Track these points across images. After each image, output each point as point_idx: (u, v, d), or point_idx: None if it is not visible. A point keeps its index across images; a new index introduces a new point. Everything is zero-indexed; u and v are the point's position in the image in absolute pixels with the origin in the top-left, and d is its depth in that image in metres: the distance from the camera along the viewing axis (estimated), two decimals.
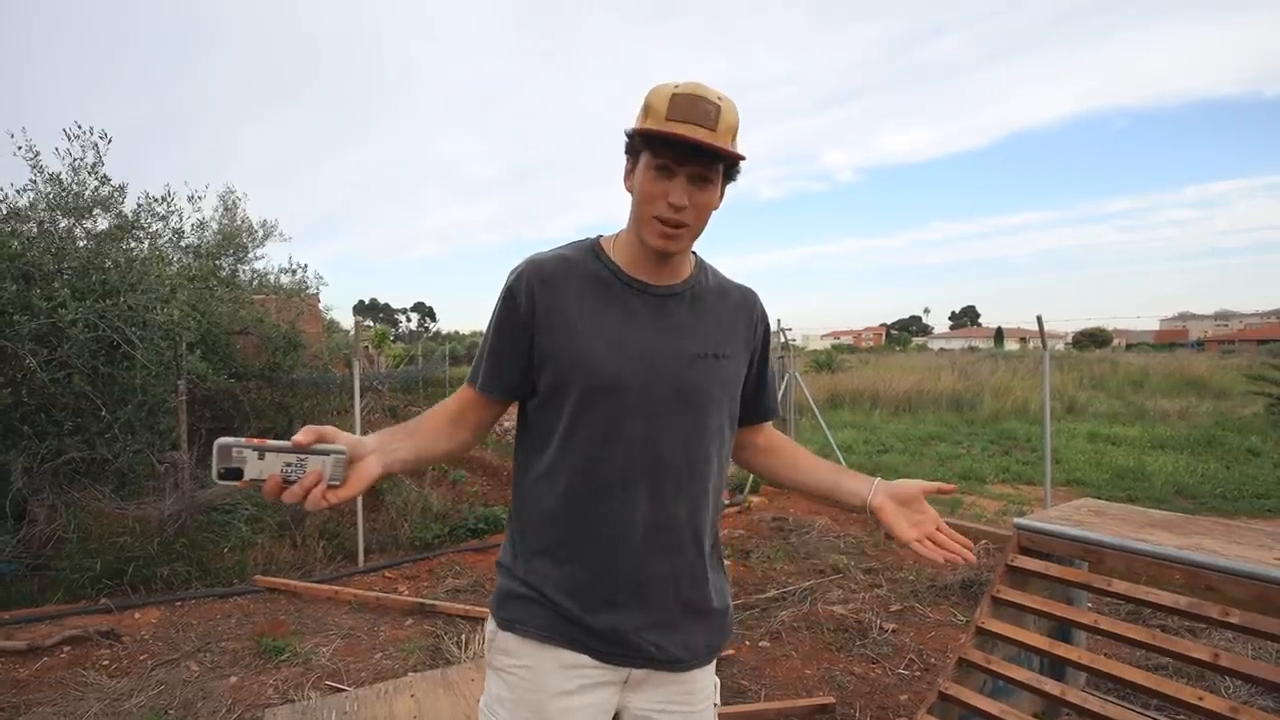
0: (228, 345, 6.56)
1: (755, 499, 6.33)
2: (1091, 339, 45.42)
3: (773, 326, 7.14)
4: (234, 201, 8.56)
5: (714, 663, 1.20)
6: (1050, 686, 2.13)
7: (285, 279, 9.11)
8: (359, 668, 3.27)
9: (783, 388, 6.99)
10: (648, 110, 1.01)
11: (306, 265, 9.14)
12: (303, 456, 0.88)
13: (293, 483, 0.88)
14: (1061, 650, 2.18)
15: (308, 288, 9.13)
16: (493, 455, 7.85)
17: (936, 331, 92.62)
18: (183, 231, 7.37)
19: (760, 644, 3.49)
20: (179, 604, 4.01)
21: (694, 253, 1.15)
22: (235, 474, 0.86)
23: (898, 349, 53.17)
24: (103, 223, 5.63)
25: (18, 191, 5.34)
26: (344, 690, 2.79)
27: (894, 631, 3.56)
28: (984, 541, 4.68)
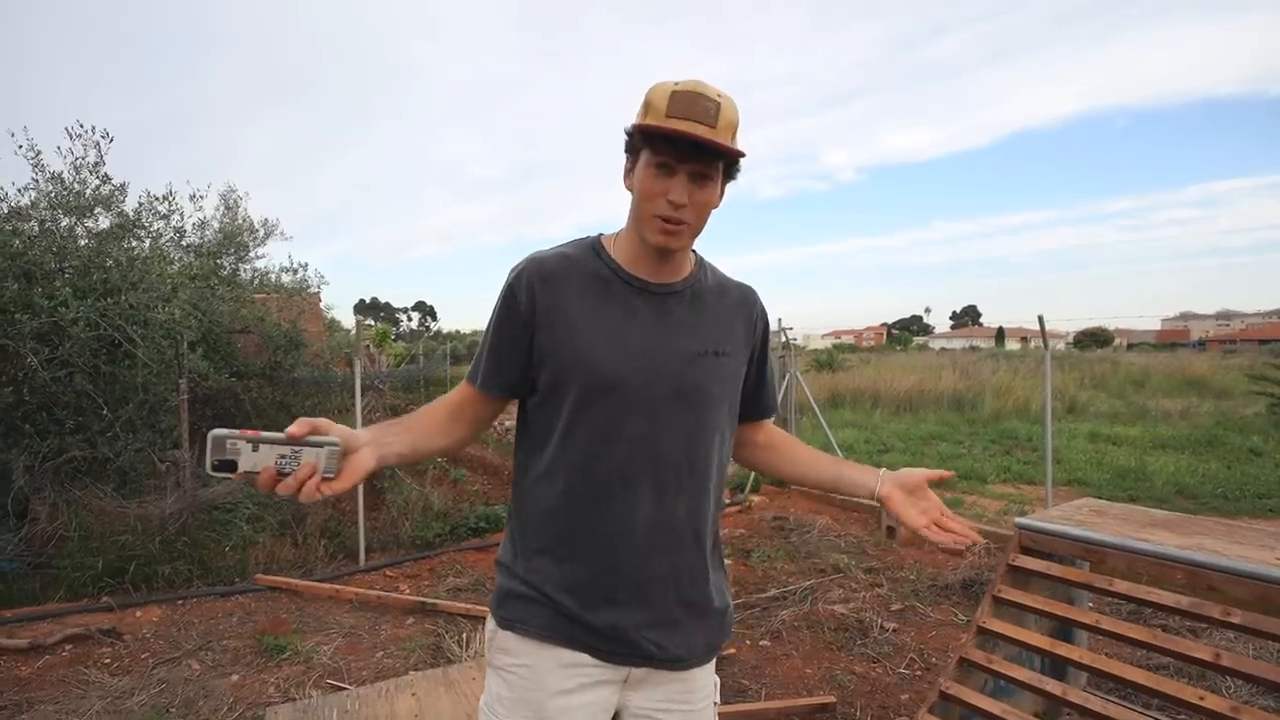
0: (229, 344, 6.56)
1: (756, 498, 6.33)
2: (1093, 339, 45.36)
3: (774, 326, 7.09)
4: (235, 200, 8.56)
5: (714, 661, 1.20)
6: (1051, 686, 2.13)
7: (286, 278, 9.11)
8: (360, 666, 3.28)
9: (784, 387, 6.99)
10: (648, 107, 1.01)
11: (308, 264, 9.13)
12: (297, 448, 0.88)
13: (287, 474, 0.88)
14: (1063, 650, 2.18)
15: (309, 287, 9.12)
16: (494, 454, 7.86)
17: (938, 331, 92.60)
18: (184, 230, 7.38)
19: (761, 643, 3.49)
20: (180, 602, 4.01)
21: (694, 251, 1.15)
22: (229, 466, 0.87)
23: (899, 348, 53.14)
24: (104, 221, 5.64)
25: (19, 190, 5.35)
26: (345, 689, 2.79)
27: (895, 631, 3.56)
28: (985, 541, 4.68)
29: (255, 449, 0.87)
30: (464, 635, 3.50)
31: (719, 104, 0.99)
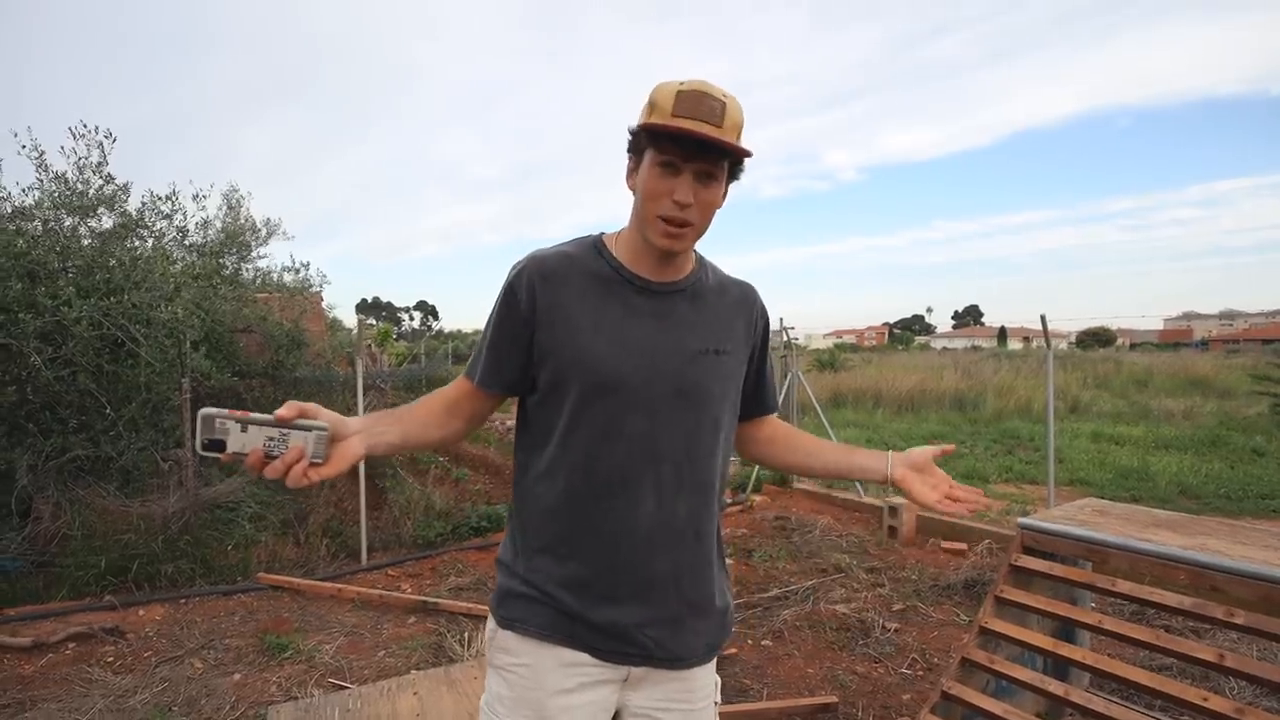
0: (231, 343, 6.56)
1: (758, 498, 6.33)
2: (1095, 338, 45.27)
3: (775, 326, 7.07)
4: (238, 200, 8.55)
5: (714, 661, 1.19)
6: (1054, 687, 2.13)
7: (288, 277, 9.12)
8: (362, 665, 3.28)
9: (785, 387, 6.98)
10: (653, 106, 1.00)
11: (309, 264, 9.13)
12: (285, 431, 0.88)
13: (275, 458, 0.88)
14: (1065, 650, 2.18)
15: (311, 286, 9.13)
16: (495, 454, 7.86)
17: (939, 331, 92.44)
18: (187, 230, 7.38)
19: (763, 643, 3.49)
20: (183, 601, 4.02)
21: (694, 250, 1.15)
22: (218, 445, 0.87)
23: (900, 348, 53.07)
24: (107, 221, 5.64)
25: (23, 190, 5.36)
26: (347, 688, 2.79)
27: (896, 631, 3.55)
28: (987, 541, 4.67)
29: (244, 429, 0.87)
30: (466, 634, 3.50)
31: (724, 103, 0.98)
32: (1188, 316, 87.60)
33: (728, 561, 1.22)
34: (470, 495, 6.44)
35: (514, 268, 1.09)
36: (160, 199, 6.42)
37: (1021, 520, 2.55)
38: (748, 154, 1.01)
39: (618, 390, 1.04)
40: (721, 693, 1.23)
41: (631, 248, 1.09)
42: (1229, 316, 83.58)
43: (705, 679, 1.17)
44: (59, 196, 5.32)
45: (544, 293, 1.05)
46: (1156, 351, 31.57)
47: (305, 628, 3.70)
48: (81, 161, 5.44)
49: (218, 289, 6.22)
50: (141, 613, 3.85)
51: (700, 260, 1.17)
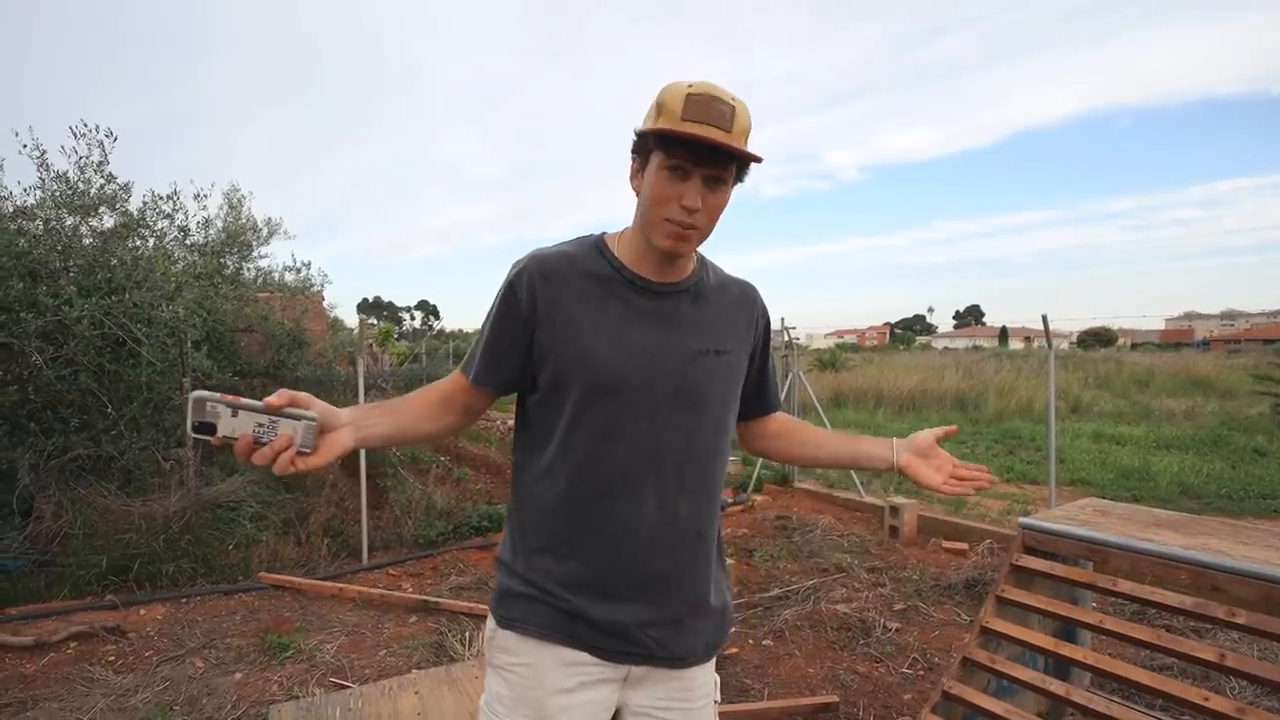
0: (232, 343, 6.57)
1: (759, 498, 6.33)
2: (1096, 338, 45.23)
3: (776, 325, 7.07)
4: (239, 200, 8.56)
5: (714, 660, 1.20)
6: (1055, 686, 2.13)
7: (289, 277, 9.13)
8: (363, 665, 3.28)
9: (786, 386, 6.98)
10: (661, 109, 0.99)
11: (310, 263, 9.15)
12: (274, 419, 0.89)
13: (264, 444, 0.88)
14: (1066, 650, 2.18)
15: (312, 285, 9.14)
16: (496, 453, 7.86)
17: (941, 331, 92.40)
18: (188, 229, 7.38)
19: (764, 642, 3.49)
20: (184, 600, 4.02)
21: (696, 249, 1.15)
22: (209, 429, 0.87)
23: (901, 348, 53.04)
24: (109, 220, 5.64)
25: (25, 190, 5.37)
26: (348, 687, 2.79)
27: (898, 630, 3.55)
28: (988, 541, 4.67)
29: (234, 415, 0.88)
30: (467, 634, 3.50)
31: (734, 108, 0.97)
32: (1189, 316, 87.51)
33: (729, 561, 1.23)
34: (471, 495, 6.44)
35: (514, 266, 1.09)
36: (161, 198, 6.43)
37: (1023, 520, 2.55)
38: (758, 160, 1.00)
39: (618, 391, 1.04)
40: (723, 692, 1.23)
41: (634, 248, 1.09)
42: (1230, 316, 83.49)
43: (705, 678, 1.18)
44: (60, 196, 5.32)
45: (544, 292, 1.05)
46: (1158, 351, 31.55)
47: (306, 627, 3.70)
48: (83, 161, 5.45)
49: (219, 288, 6.22)
50: (143, 612, 3.85)
51: (701, 260, 1.17)
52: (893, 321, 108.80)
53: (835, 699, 2.88)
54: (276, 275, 9.13)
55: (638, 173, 1.05)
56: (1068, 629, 2.38)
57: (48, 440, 4.59)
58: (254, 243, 8.75)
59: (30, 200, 5.30)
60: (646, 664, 1.10)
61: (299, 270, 9.05)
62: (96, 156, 5.47)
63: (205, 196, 7.52)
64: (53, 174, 5.36)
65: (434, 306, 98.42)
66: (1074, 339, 44.82)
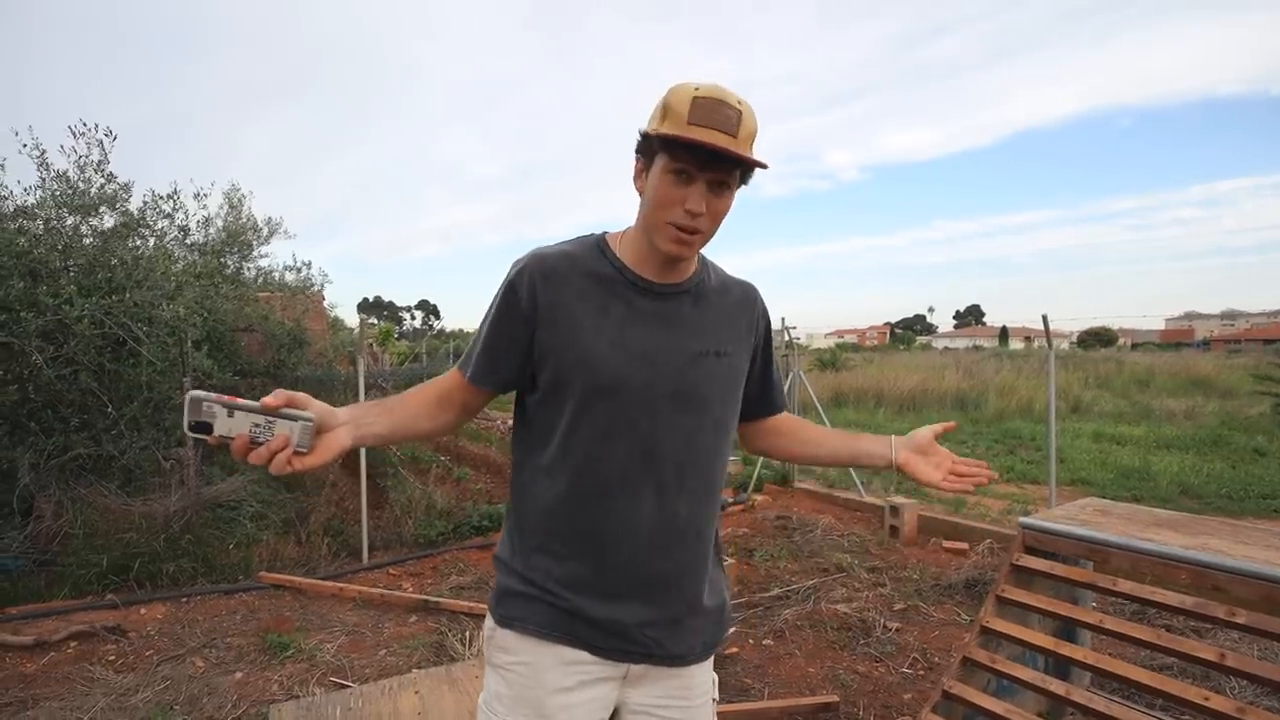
0: (233, 342, 6.57)
1: (759, 497, 6.33)
2: (1097, 338, 45.23)
3: (777, 325, 7.06)
4: (239, 199, 8.57)
5: (712, 658, 1.20)
6: (1055, 686, 2.12)
7: (290, 276, 9.15)
8: (363, 664, 3.28)
9: (787, 386, 6.98)
10: (667, 111, 0.98)
11: (311, 263, 9.17)
12: (271, 419, 0.89)
13: (260, 444, 0.88)
14: (1066, 650, 2.18)
15: (312, 285, 9.15)
16: (496, 453, 7.86)
17: (941, 330, 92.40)
18: (188, 229, 7.39)
19: (764, 642, 3.49)
20: (184, 600, 4.03)
21: None
22: (205, 428, 0.87)
23: (902, 348, 53.03)
24: (109, 220, 5.64)
25: (25, 190, 5.37)
26: (349, 687, 2.80)
27: (898, 630, 3.55)
28: (988, 541, 4.67)
29: (231, 415, 0.87)
30: (467, 633, 3.50)
31: (740, 112, 0.97)
32: (1189, 316, 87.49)
33: (729, 561, 1.23)
34: (472, 494, 6.44)
35: (515, 265, 1.08)
36: (161, 198, 6.43)
37: (1023, 520, 2.55)
38: (763, 166, 1.00)
39: (619, 392, 1.04)
40: (723, 692, 1.23)
41: (636, 249, 1.08)
42: (1231, 316, 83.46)
43: (703, 676, 1.18)
44: (61, 195, 5.32)
45: (545, 291, 1.05)
46: (1158, 351, 31.55)
47: (307, 626, 3.70)
48: (82, 160, 5.45)
49: (219, 288, 6.23)
50: (143, 611, 3.86)
51: (703, 260, 1.17)
52: (893, 321, 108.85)
53: (835, 699, 2.88)
54: (277, 275, 9.15)
55: (641, 173, 1.05)
56: (1068, 629, 2.38)
57: (48, 440, 4.59)
58: (254, 242, 8.75)
59: (31, 200, 5.30)
60: (645, 662, 1.10)
61: (299, 270, 9.07)
62: (96, 156, 5.48)
63: (205, 196, 7.53)
64: (53, 173, 5.36)
65: (434, 306, 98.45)
66: (1074, 339, 44.82)
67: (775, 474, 6.83)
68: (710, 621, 1.16)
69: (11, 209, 5.20)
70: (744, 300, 1.19)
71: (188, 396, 0.87)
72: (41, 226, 5.16)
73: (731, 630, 3.58)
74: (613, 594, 1.07)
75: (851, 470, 6.33)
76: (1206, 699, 1.87)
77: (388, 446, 6.11)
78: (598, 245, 1.11)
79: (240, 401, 0.88)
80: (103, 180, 5.52)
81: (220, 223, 8.35)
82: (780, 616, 3.74)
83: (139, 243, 5.91)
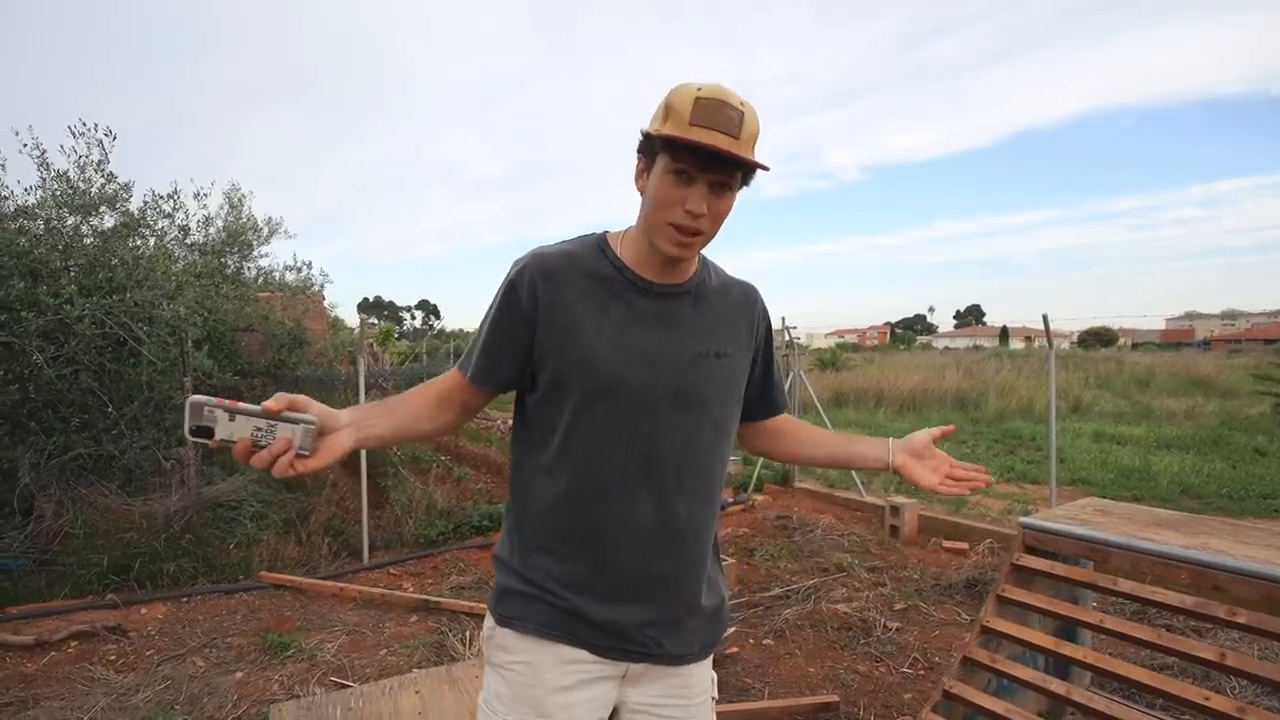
0: (233, 342, 6.57)
1: (759, 497, 6.33)
2: (1097, 338, 45.21)
3: (777, 325, 7.05)
4: (239, 199, 8.57)
5: (711, 657, 1.20)
6: (1055, 685, 2.12)
7: (290, 276, 9.15)
8: (364, 664, 3.28)
9: (788, 386, 6.96)
10: (669, 112, 0.98)
11: (311, 263, 9.17)
12: (273, 423, 0.89)
13: (262, 447, 0.88)
14: (1067, 649, 2.18)
15: (312, 285, 9.15)
16: (497, 453, 7.86)
17: (941, 330, 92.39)
18: (189, 228, 7.39)
19: (764, 642, 3.49)
20: (185, 600, 4.03)
21: None
22: (206, 432, 0.87)
23: (902, 348, 53.02)
24: (109, 220, 5.64)
25: (26, 190, 5.37)
26: (349, 686, 2.80)
27: (898, 630, 3.55)
28: (989, 540, 4.67)
29: (232, 419, 0.87)
30: (467, 633, 3.51)
31: (742, 113, 0.97)
32: (1190, 316, 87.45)
33: (729, 561, 1.23)
34: (472, 494, 6.44)
35: (515, 264, 1.08)
36: (162, 198, 6.43)
37: (1023, 520, 2.55)
38: (764, 168, 1.00)
39: (619, 392, 1.04)
40: (724, 692, 1.23)
41: (637, 249, 1.08)
42: (1231, 316, 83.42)
43: (702, 675, 1.18)
44: (61, 195, 5.32)
45: (546, 291, 1.05)
46: (1158, 351, 31.54)
47: (307, 626, 3.70)
48: (82, 160, 5.45)
49: (219, 288, 6.23)
50: (144, 611, 3.86)
51: (704, 261, 1.17)
52: (893, 321, 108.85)
53: (836, 698, 2.88)
54: (277, 275, 9.15)
55: (643, 173, 1.04)
56: (1068, 628, 2.38)
57: (48, 439, 4.59)
58: (254, 242, 8.75)
59: (31, 200, 5.30)
60: (645, 662, 1.11)
61: (300, 270, 9.07)
62: (96, 156, 5.48)
63: (205, 196, 7.54)
64: (53, 173, 5.36)
65: (434, 306, 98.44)
66: (1074, 339, 44.78)
67: (775, 474, 6.83)
68: (709, 621, 1.16)
69: (12, 209, 5.20)
70: (744, 301, 1.19)
71: (188, 402, 0.87)
72: (42, 226, 5.16)
73: (731, 630, 3.58)
74: (612, 594, 1.07)
75: (852, 470, 6.33)
76: (1207, 699, 1.87)
77: (388, 447, 6.11)
78: (598, 245, 1.11)
79: (242, 405, 0.88)
80: (103, 180, 5.52)
81: (220, 222, 8.36)
82: (780, 616, 3.74)
83: (139, 242, 5.91)
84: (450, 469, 6.83)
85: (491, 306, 1.09)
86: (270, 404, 0.88)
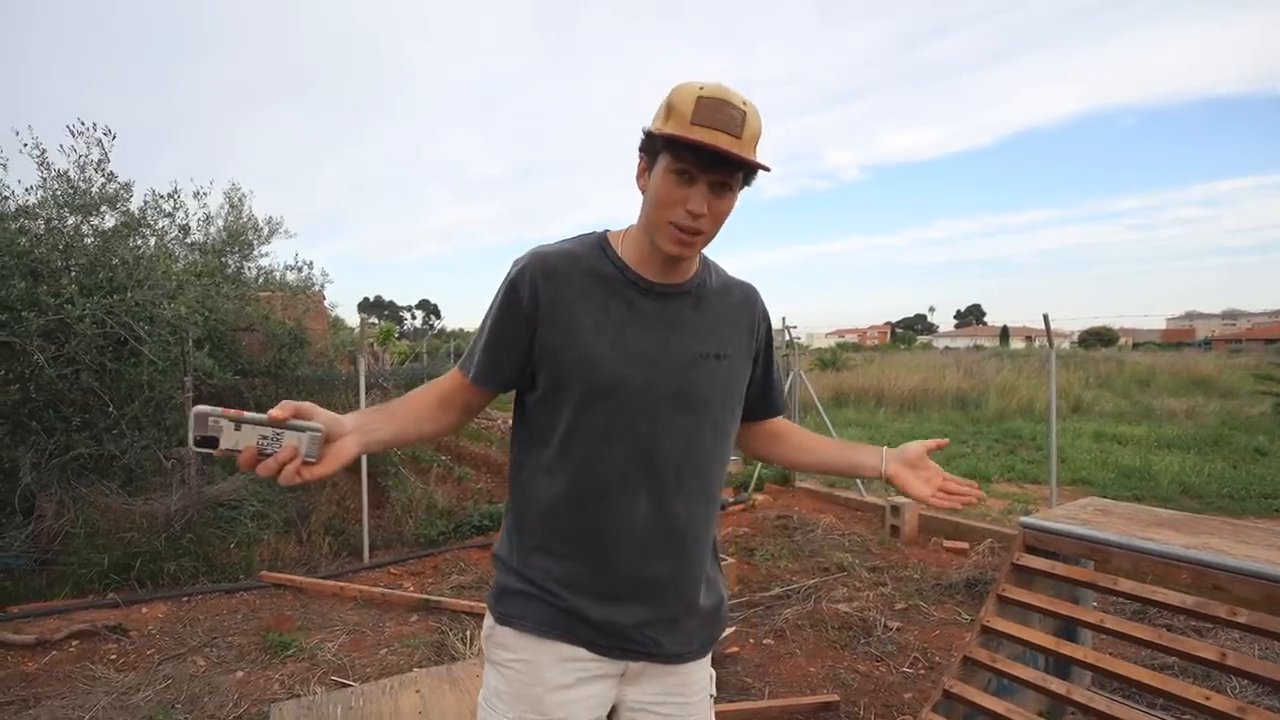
0: (234, 342, 6.57)
1: (760, 497, 6.33)
2: (1098, 338, 45.19)
3: (777, 325, 7.06)
4: (240, 198, 8.57)
5: (710, 655, 1.20)
6: (1056, 685, 2.12)
7: (291, 276, 9.15)
8: (364, 663, 3.29)
9: (788, 386, 6.98)
10: (670, 111, 0.98)
11: (312, 262, 9.17)
12: (279, 431, 0.88)
13: (268, 455, 0.88)
14: (1067, 649, 2.18)
15: (313, 285, 9.15)
16: (497, 452, 7.86)
17: (942, 330, 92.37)
18: (189, 228, 7.40)
19: (764, 642, 3.49)
20: (186, 599, 4.03)
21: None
22: (211, 442, 0.87)
23: (902, 347, 53.01)
24: (110, 220, 5.65)
25: (27, 189, 5.37)
26: (349, 686, 2.80)
27: (898, 630, 3.55)
28: (989, 540, 4.67)
29: (238, 428, 0.87)
30: (468, 632, 3.51)
31: (744, 113, 0.97)
32: (1190, 316, 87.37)
33: (730, 560, 1.23)
34: (472, 494, 6.44)
35: (516, 263, 1.08)
36: (162, 197, 6.44)
37: (1024, 519, 2.55)
38: (765, 168, 0.99)
39: (619, 393, 1.04)
40: (724, 691, 1.24)
41: (638, 248, 1.08)
42: (1232, 316, 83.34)
43: (701, 673, 1.18)
44: (62, 195, 5.32)
45: (546, 290, 1.04)
46: (1159, 351, 31.53)
47: (308, 626, 3.70)
48: (83, 160, 5.45)
49: (220, 287, 6.23)
50: (144, 610, 3.86)
51: (704, 261, 1.16)
52: (894, 321, 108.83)
53: (836, 698, 2.88)
54: (278, 274, 9.15)
55: (644, 172, 1.04)
56: (1069, 628, 2.38)
57: (49, 439, 4.60)
58: (255, 242, 8.76)
59: (32, 199, 5.31)
60: (643, 660, 1.11)
61: (300, 269, 9.07)
62: (96, 155, 5.48)
63: (205, 195, 7.54)
64: (53, 173, 5.37)
65: (435, 306, 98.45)
66: (1075, 338, 44.76)
67: (776, 473, 6.83)
68: (708, 620, 1.17)
69: (13, 209, 5.21)
70: (745, 302, 1.19)
71: (193, 412, 0.86)
72: (43, 226, 5.16)
73: (732, 629, 3.58)
74: (611, 595, 1.07)
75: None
76: (1207, 698, 1.87)
77: (392, 450, 6.11)
78: (599, 244, 1.11)
79: (247, 415, 0.88)
80: (103, 180, 5.53)
81: (221, 222, 8.37)
82: (781, 616, 3.74)
83: (140, 242, 5.92)
84: (451, 468, 6.83)
85: (492, 306, 1.09)
86: (276, 412, 0.88)
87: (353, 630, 3.66)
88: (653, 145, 1.02)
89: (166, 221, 6.66)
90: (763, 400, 1.25)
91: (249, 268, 8.80)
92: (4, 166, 5.14)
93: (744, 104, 0.97)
